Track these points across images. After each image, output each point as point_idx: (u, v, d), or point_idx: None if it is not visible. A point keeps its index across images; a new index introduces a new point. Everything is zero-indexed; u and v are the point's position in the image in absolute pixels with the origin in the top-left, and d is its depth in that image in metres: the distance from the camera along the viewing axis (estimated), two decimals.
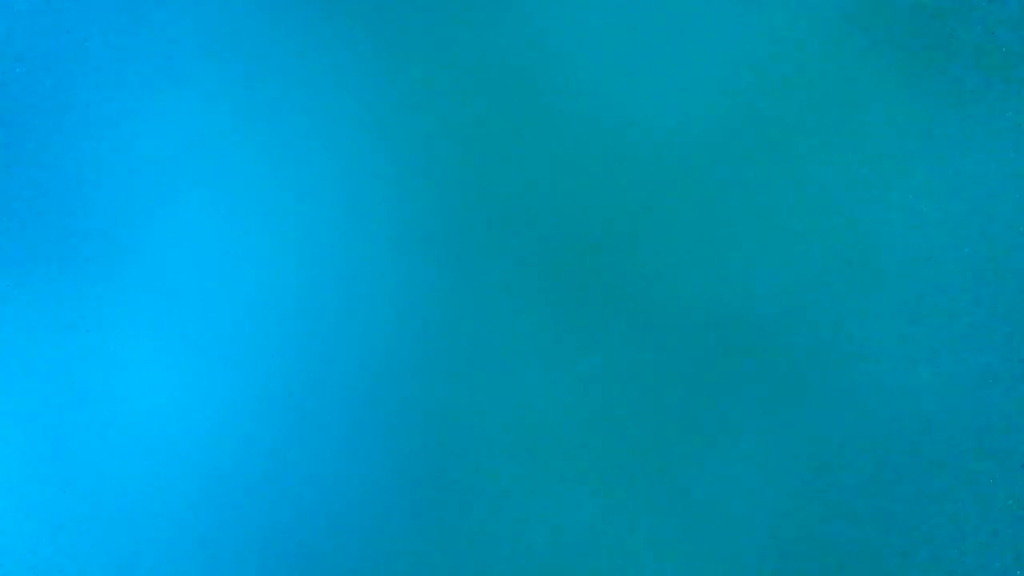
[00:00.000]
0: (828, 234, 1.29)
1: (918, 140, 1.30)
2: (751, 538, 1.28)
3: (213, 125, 1.35)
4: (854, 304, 1.28)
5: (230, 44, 1.36)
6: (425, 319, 1.31)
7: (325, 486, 1.31)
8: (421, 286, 1.32)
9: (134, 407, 1.33)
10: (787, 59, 1.31)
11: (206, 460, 1.32)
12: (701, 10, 1.32)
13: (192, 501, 1.32)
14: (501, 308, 1.31)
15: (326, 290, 1.33)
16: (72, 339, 1.34)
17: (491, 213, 1.32)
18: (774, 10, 1.31)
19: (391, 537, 1.30)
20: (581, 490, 1.29)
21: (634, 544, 1.29)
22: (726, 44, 1.32)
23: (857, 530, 1.27)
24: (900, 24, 1.31)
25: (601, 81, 1.32)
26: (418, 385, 1.31)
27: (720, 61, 1.32)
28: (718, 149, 1.31)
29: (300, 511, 1.31)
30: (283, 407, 1.32)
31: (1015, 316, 1.27)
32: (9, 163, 1.37)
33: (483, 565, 1.30)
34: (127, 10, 1.37)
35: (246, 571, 1.31)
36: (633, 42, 1.32)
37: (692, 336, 1.29)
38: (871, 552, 1.27)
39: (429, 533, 1.30)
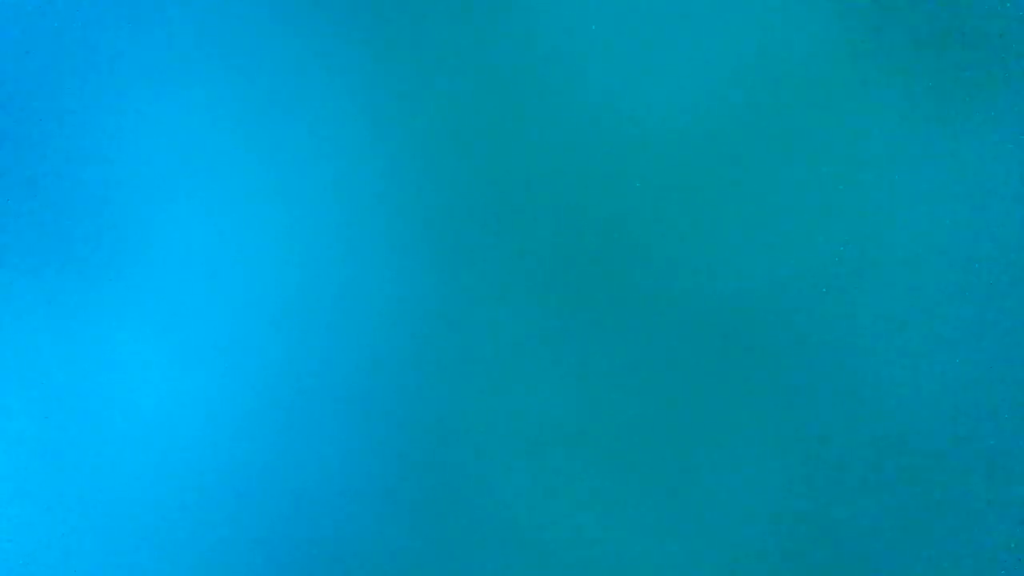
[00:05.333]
0: (828, 234, 1.29)
1: (917, 139, 1.30)
2: (752, 535, 1.28)
3: (212, 127, 1.35)
4: (854, 303, 1.28)
5: (229, 46, 1.36)
6: (425, 319, 1.31)
7: (324, 485, 1.31)
8: (420, 287, 1.32)
9: (133, 407, 1.33)
10: (787, 59, 1.31)
11: (205, 459, 1.32)
12: (701, 10, 1.32)
13: (191, 500, 1.32)
14: (501, 307, 1.31)
15: (325, 290, 1.33)
16: (72, 339, 1.34)
17: (491, 213, 1.32)
18: (774, 10, 1.31)
19: (391, 536, 1.30)
20: (582, 488, 1.29)
21: (635, 541, 1.29)
22: (727, 44, 1.31)
23: (857, 527, 1.27)
24: (899, 24, 1.31)
25: (601, 81, 1.32)
26: (418, 385, 1.31)
27: (721, 61, 1.31)
28: (718, 149, 1.31)
29: (300, 510, 1.31)
30: (282, 407, 1.32)
31: (1014, 315, 1.27)
32: (8, 165, 1.36)
33: (483, 564, 1.30)
34: (126, 12, 1.37)
35: (245, 569, 1.31)
36: (633, 42, 1.32)
37: (692, 335, 1.29)
38: (871, 549, 1.27)
39: (429, 532, 1.30)
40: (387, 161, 1.34)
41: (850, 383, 1.28)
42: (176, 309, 1.34)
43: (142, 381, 1.34)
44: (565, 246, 1.31)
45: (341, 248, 1.33)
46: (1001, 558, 1.27)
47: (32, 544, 1.34)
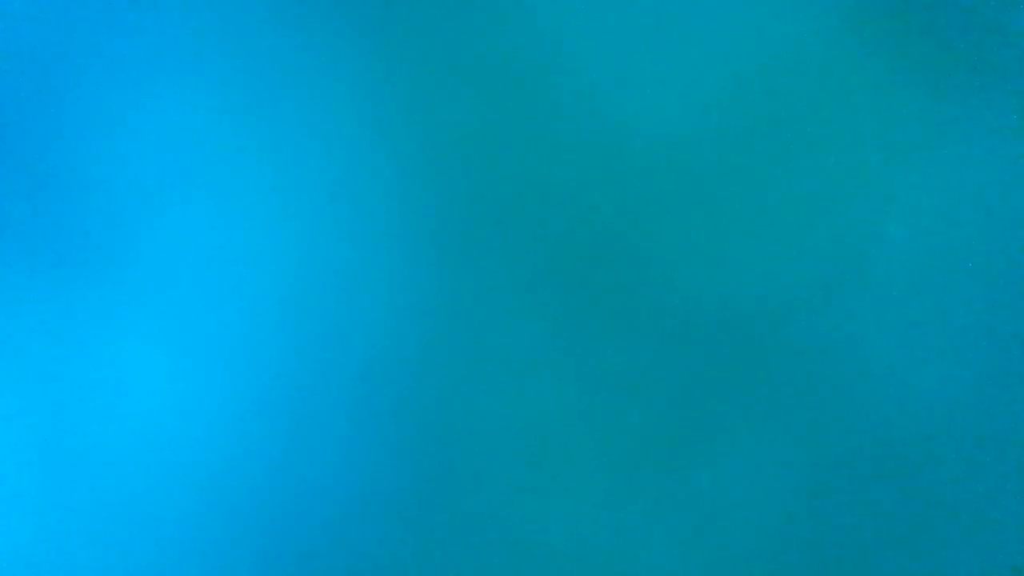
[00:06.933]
0: (829, 234, 1.29)
1: (918, 140, 1.30)
2: (752, 536, 1.28)
3: (211, 128, 1.35)
4: (855, 304, 1.28)
5: (227, 46, 1.35)
6: (426, 320, 1.31)
7: (325, 485, 1.31)
8: (421, 288, 1.32)
9: (133, 408, 1.33)
10: (787, 59, 1.31)
11: (205, 460, 1.32)
12: (701, 11, 1.32)
13: (191, 500, 1.32)
14: (502, 308, 1.31)
15: (326, 291, 1.33)
16: (71, 340, 1.34)
17: (491, 214, 1.32)
18: (774, 10, 1.31)
19: (391, 536, 1.30)
20: (582, 489, 1.29)
21: (636, 542, 1.29)
22: (726, 44, 1.31)
23: (857, 528, 1.27)
24: (900, 24, 1.31)
25: (601, 82, 1.32)
26: (418, 385, 1.31)
27: (720, 61, 1.32)
28: (718, 150, 1.31)
29: (300, 511, 1.31)
30: (283, 407, 1.32)
31: (1015, 315, 1.27)
32: (7, 166, 1.36)
33: (484, 565, 1.30)
34: (125, 11, 1.37)
35: (246, 570, 1.31)
36: (634, 43, 1.32)
37: (693, 336, 1.29)
38: (871, 550, 1.27)
39: (430, 532, 1.30)
40: (389, 162, 1.33)
41: (851, 383, 1.28)
42: (176, 308, 1.33)
43: (142, 380, 1.33)
44: (567, 247, 1.31)
45: (342, 249, 1.33)
46: (1002, 558, 1.26)
47: (30, 544, 1.34)
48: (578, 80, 1.33)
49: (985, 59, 1.30)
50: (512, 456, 1.30)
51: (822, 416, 1.28)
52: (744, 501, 1.28)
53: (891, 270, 1.29)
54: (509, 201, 1.32)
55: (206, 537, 1.32)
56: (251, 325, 1.33)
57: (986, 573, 1.26)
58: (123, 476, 1.33)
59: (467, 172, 1.33)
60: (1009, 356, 1.27)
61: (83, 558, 1.33)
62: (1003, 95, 1.29)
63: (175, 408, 1.33)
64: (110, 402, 1.33)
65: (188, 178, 1.35)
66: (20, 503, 1.34)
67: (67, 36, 1.37)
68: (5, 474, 1.34)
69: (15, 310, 1.35)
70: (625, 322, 1.30)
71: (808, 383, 1.28)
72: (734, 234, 1.30)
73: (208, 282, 1.33)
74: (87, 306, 1.34)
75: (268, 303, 1.33)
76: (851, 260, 1.29)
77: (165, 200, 1.35)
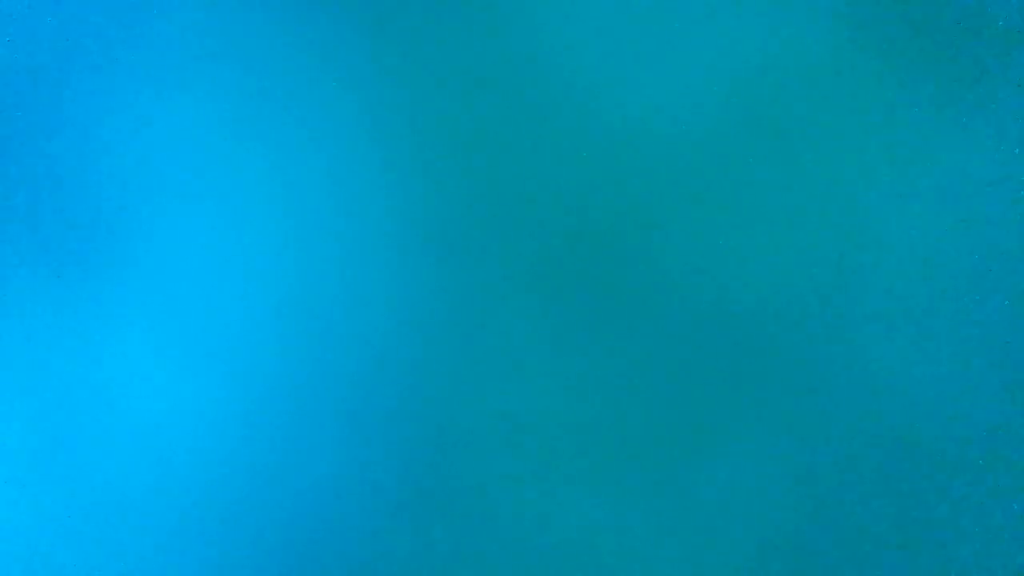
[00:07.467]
0: (828, 235, 1.29)
1: (917, 140, 1.30)
2: (750, 536, 1.28)
3: (212, 127, 1.35)
4: (854, 304, 1.28)
5: (228, 46, 1.36)
6: (424, 319, 1.31)
7: (324, 484, 1.31)
8: (420, 288, 1.32)
9: (134, 407, 1.33)
10: (786, 59, 1.31)
11: (205, 460, 1.32)
12: (700, 10, 1.32)
13: (191, 500, 1.32)
14: (500, 307, 1.31)
15: (325, 290, 1.33)
16: (72, 340, 1.34)
17: (490, 213, 1.32)
18: (773, 10, 1.32)
19: (390, 535, 1.30)
20: (581, 488, 1.29)
21: (634, 542, 1.29)
22: (725, 44, 1.32)
23: (858, 527, 1.27)
24: (899, 24, 1.31)
25: (600, 81, 1.32)
26: (417, 385, 1.31)
27: (719, 61, 1.32)
28: (717, 150, 1.31)
29: (299, 510, 1.31)
30: (282, 407, 1.32)
31: (1015, 316, 1.27)
32: (8, 165, 1.37)
33: (482, 564, 1.30)
34: (127, 11, 1.37)
35: (245, 569, 1.31)
36: (633, 42, 1.32)
37: (691, 335, 1.29)
38: (870, 550, 1.27)
39: (428, 532, 1.30)
40: (388, 162, 1.34)
41: (851, 383, 1.28)
42: (176, 309, 1.34)
43: (142, 381, 1.34)
44: (567, 247, 1.31)
45: (341, 249, 1.33)
46: (1003, 558, 1.26)
47: (29, 543, 1.34)
48: (576, 79, 1.33)
49: (986, 60, 1.30)
50: (511, 456, 1.30)
51: (822, 415, 1.28)
52: (745, 500, 1.28)
53: (892, 270, 1.29)
54: (508, 201, 1.32)
55: (205, 536, 1.32)
56: (251, 324, 1.33)
57: (987, 573, 1.26)
58: (123, 476, 1.33)
59: (466, 172, 1.33)
60: (1009, 356, 1.27)
61: (82, 557, 1.33)
62: (1005, 96, 1.29)
63: (174, 407, 1.33)
64: (109, 401, 1.34)
65: (188, 178, 1.35)
66: (19, 502, 1.34)
67: (68, 36, 1.38)
68: (4, 473, 1.34)
69: (15, 310, 1.35)
70: (625, 322, 1.30)
71: (808, 382, 1.28)
72: (735, 234, 1.30)
73: (208, 282, 1.34)
74: (87, 306, 1.35)
75: (268, 303, 1.33)
76: (851, 260, 1.29)
77: (165, 200, 1.35)
